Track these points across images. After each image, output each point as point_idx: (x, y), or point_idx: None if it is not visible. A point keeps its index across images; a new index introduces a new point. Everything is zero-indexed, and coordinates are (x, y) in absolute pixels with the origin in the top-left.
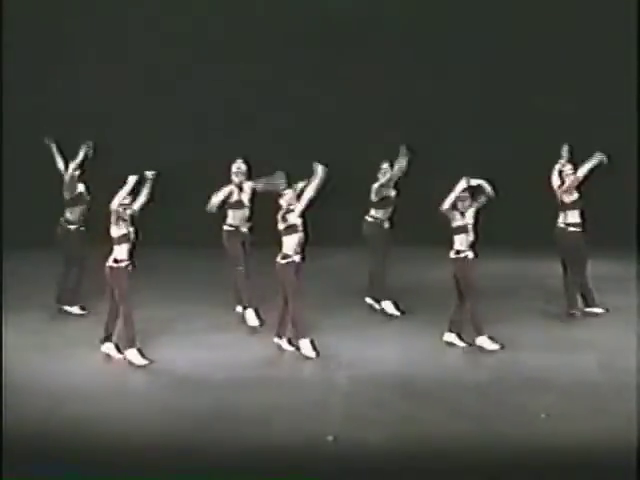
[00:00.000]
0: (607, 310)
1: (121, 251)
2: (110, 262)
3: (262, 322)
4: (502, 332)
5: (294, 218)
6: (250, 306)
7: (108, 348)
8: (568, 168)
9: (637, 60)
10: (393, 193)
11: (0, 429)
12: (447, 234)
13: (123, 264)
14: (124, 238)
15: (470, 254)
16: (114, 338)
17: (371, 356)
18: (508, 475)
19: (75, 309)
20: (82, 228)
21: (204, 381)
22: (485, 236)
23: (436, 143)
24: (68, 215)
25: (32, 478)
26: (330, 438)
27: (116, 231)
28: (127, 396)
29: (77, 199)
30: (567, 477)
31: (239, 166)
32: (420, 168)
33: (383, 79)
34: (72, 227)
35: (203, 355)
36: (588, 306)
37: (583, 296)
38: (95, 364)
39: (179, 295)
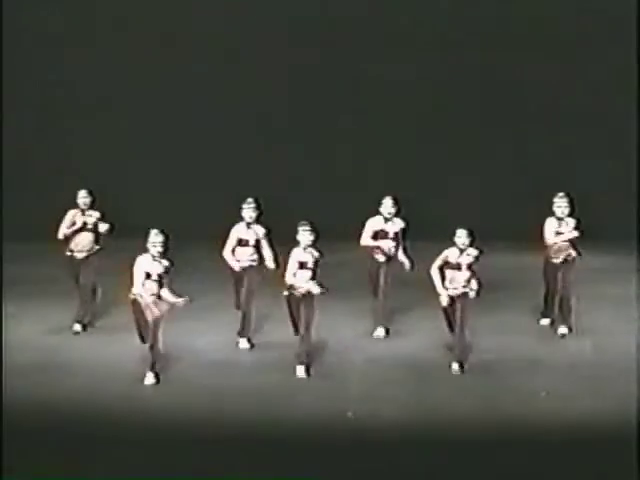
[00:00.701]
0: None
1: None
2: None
3: None
4: (504, 318)
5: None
6: None
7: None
8: (566, 227)
9: (637, 60)
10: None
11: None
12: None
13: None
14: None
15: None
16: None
17: (384, 339)
18: (509, 448)
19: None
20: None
21: (234, 363)
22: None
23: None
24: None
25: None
26: (350, 414)
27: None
28: (168, 379)
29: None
30: (568, 452)
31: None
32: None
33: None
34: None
35: (229, 339)
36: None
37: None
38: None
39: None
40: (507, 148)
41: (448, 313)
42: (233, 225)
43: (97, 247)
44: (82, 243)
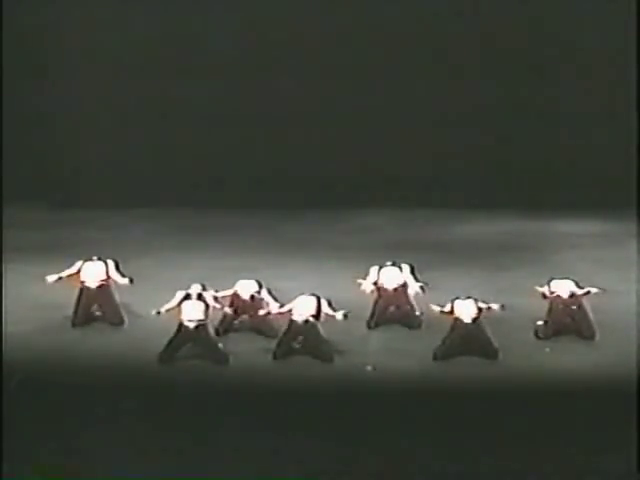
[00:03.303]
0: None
1: None
2: None
3: None
4: (507, 280)
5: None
6: None
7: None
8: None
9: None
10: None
11: None
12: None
13: None
14: None
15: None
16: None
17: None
18: (517, 396)
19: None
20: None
21: None
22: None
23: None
24: None
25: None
26: (370, 368)
27: None
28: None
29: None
30: (569, 402)
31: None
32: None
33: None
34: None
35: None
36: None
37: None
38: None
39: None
40: (508, 114)
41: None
42: None
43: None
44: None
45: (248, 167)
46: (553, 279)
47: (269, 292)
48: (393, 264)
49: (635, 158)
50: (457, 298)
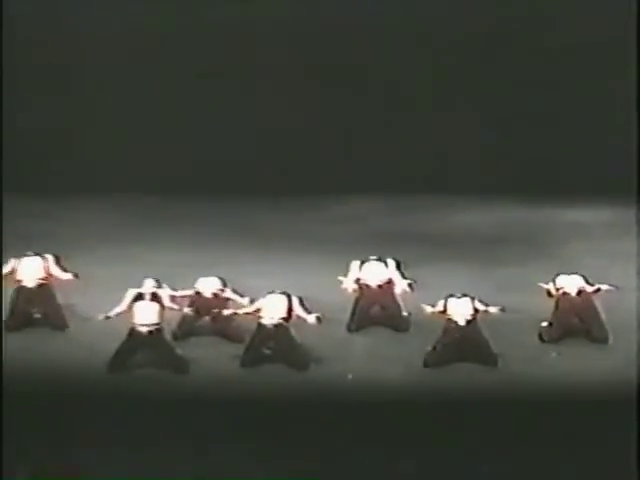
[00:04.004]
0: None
1: None
2: None
3: None
4: (508, 276)
5: None
6: None
7: None
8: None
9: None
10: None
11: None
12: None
13: None
14: None
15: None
16: None
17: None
18: (520, 408)
19: None
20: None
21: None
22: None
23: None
24: None
25: None
26: (350, 376)
27: None
28: None
29: None
30: (579, 415)
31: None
32: None
33: None
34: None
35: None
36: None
37: None
38: None
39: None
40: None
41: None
42: None
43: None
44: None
45: (220, 150)
46: (560, 274)
47: (234, 290)
48: (378, 259)
49: (635, 143)
50: (451, 296)
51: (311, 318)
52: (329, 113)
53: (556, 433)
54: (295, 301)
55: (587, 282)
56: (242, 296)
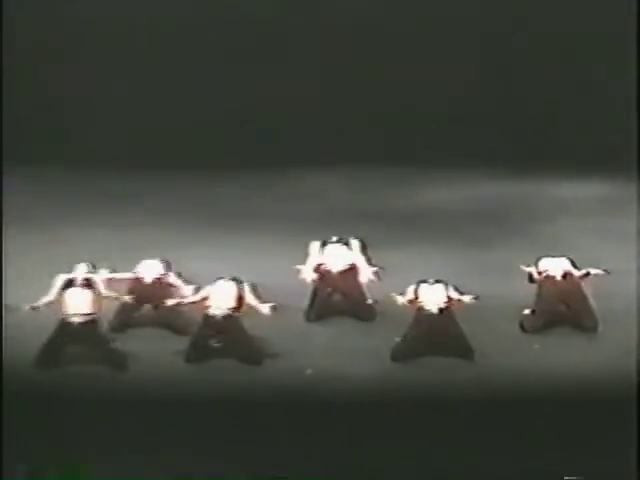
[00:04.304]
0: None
1: None
2: None
3: None
4: (486, 258)
5: None
6: None
7: None
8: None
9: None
10: None
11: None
12: None
13: None
14: None
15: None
16: None
17: None
18: (499, 405)
19: None
20: None
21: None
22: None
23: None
24: None
25: None
26: (309, 371)
27: None
28: None
29: None
30: (565, 412)
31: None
32: None
33: None
34: None
35: None
36: None
37: None
38: None
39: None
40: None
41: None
42: None
43: None
44: None
45: (164, 120)
46: (544, 256)
47: (179, 275)
48: (339, 240)
49: (635, 115)
50: (423, 282)
51: (265, 307)
52: (283, 77)
53: (538, 432)
54: (247, 288)
55: (574, 265)
56: (188, 282)
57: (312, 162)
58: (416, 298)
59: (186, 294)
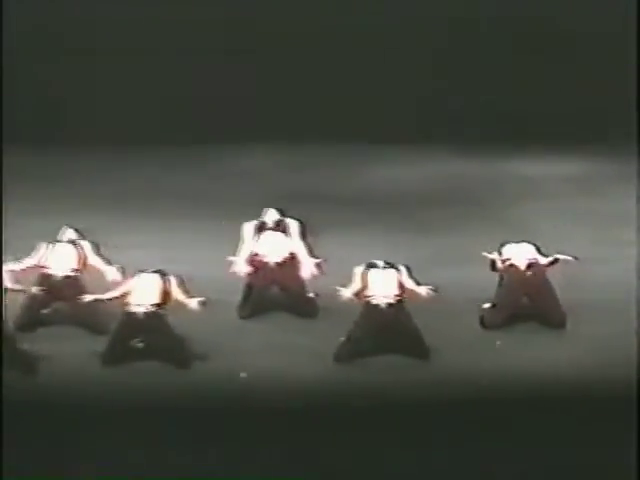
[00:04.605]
0: None
1: None
2: None
3: None
4: (444, 244)
5: None
6: None
7: None
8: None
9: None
10: None
11: None
12: None
13: None
14: None
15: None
16: None
17: None
18: (457, 409)
19: None
20: None
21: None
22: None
23: None
24: None
25: None
26: (244, 374)
27: None
28: None
29: None
30: (528, 410)
31: None
32: None
33: None
34: None
35: None
36: None
37: None
38: None
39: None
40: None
41: None
42: None
43: None
44: None
45: (86, 94)
46: (506, 242)
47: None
48: (277, 225)
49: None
50: (373, 265)
51: (193, 302)
52: (217, 52)
53: (500, 438)
54: (173, 281)
55: (540, 252)
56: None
57: (247, 139)
58: (364, 287)
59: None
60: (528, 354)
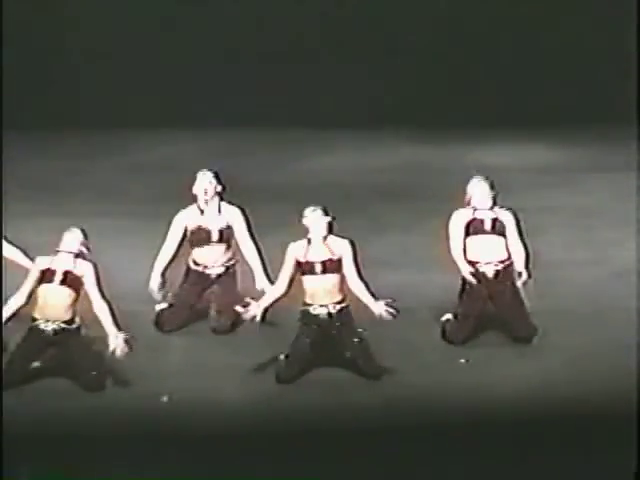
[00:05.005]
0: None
1: None
2: None
3: None
4: (392, 244)
5: None
6: None
7: None
8: None
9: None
10: None
11: None
12: None
13: None
14: None
15: None
16: None
17: None
18: (415, 435)
19: None
20: None
21: None
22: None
23: None
24: None
25: None
26: (165, 398)
27: None
28: None
29: None
30: (496, 435)
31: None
32: None
33: None
34: None
35: None
36: None
37: None
38: None
39: None
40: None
41: None
42: None
43: None
44: None
45: None
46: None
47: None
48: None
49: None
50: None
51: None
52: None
53: (466, 465)
54: (89, 283)
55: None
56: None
57: (167, 124)
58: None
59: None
60: (496, 372)
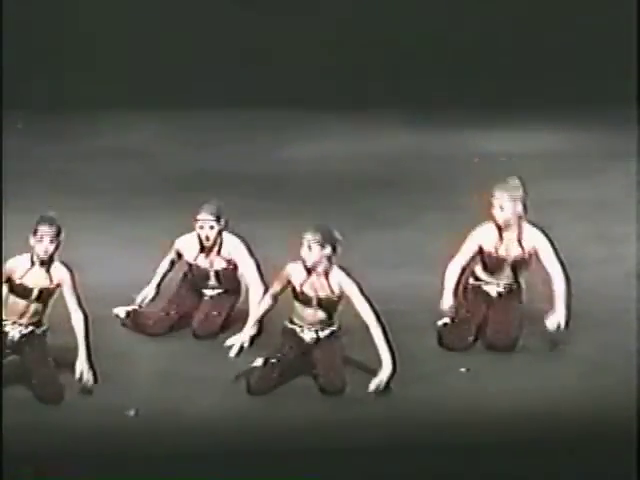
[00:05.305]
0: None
1: None
2: None
3: None
4: (384, 241)
5: None
6: None
7: None
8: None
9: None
10: None
11: None
12: None
13: None
14: None
15: None
16: None
17: None
18: (409, 455)
19: None
20: None
21: None
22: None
23: None
24: None
25: None
26: (132, 412)
27: None
28: None
29: None
30: (503, 453)
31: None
32: None
33: None
34: None
35: None
36: None
37: None
38: None
39: None
40: None
41: None
42: None
43: None
44: None
45: None
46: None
47: None
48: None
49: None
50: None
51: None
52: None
53: None
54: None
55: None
56: None
57: (134, 107)
58: (285, 286)
59: None
60: (502, 382)
